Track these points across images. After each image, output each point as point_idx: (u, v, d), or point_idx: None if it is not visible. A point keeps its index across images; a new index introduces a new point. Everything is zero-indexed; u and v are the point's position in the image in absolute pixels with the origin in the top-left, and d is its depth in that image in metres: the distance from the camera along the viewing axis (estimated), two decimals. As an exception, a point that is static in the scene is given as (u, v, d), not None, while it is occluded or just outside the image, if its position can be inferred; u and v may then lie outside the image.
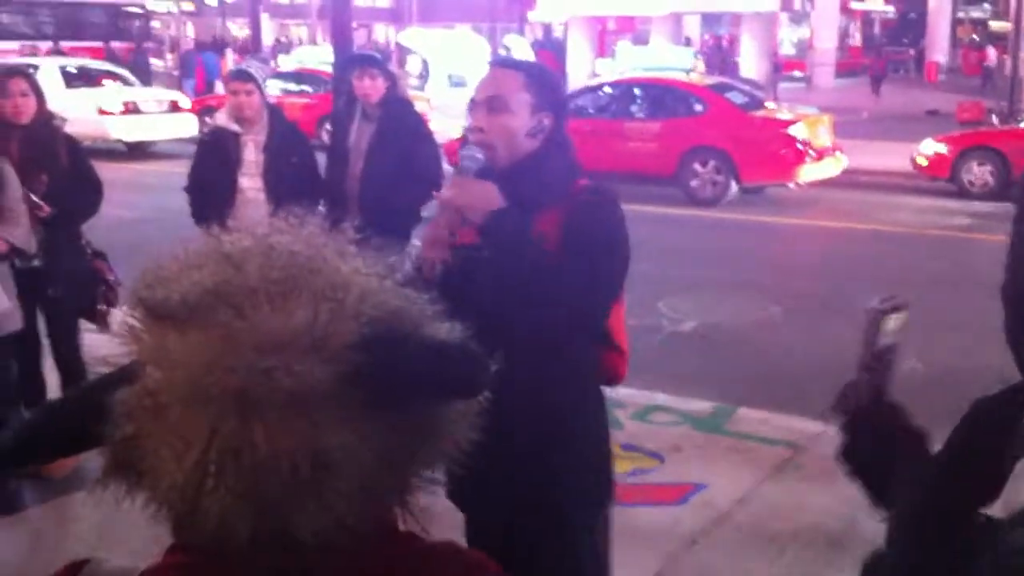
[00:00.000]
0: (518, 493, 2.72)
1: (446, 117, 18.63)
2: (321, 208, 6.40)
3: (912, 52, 48.06)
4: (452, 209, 2.64)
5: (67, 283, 5.25)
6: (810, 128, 14.95)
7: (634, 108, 15.89)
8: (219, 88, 22.67)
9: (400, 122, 6.04)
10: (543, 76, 2.85)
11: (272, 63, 27.46)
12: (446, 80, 33.43)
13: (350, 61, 6.97)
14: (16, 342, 4.89)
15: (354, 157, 6.05)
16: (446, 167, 6.33)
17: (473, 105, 2.77)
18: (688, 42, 32.41)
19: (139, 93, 20.03)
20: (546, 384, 2.69)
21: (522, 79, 2.75)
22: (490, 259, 2.60)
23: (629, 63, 22.19)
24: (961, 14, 57.50)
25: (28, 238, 4.78)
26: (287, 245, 1.11)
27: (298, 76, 22.62)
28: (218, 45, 35.33)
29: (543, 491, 2.73)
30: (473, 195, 2.62)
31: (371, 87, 6.01)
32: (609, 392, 2.96)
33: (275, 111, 6.02)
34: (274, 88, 19.13)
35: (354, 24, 13.36)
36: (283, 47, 41.36)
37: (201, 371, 1.01)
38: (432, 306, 1.18)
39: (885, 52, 44.74)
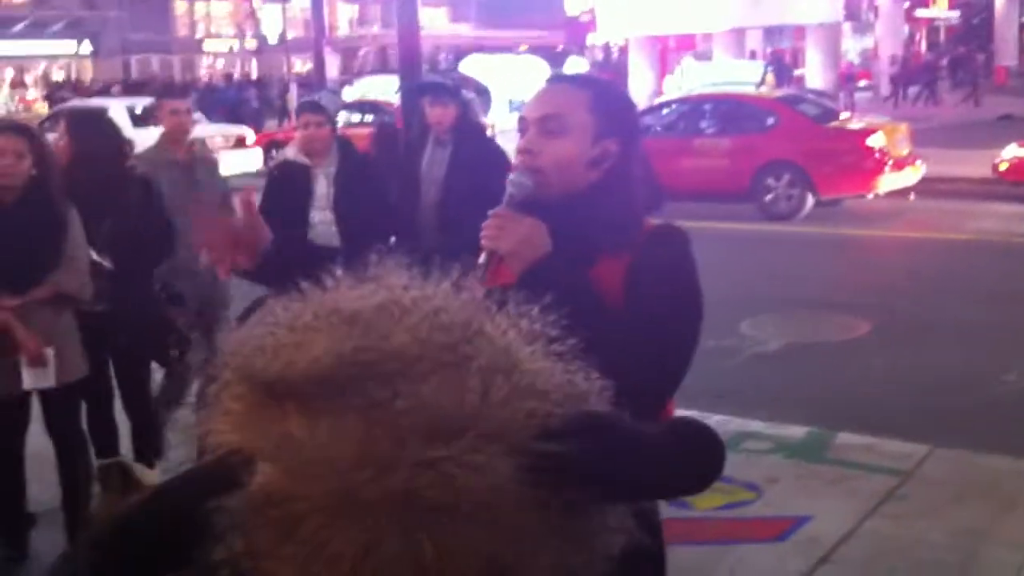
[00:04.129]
0: None
1: (509, 142, 18.50)
2: (392, 241, 6.15)
3: (963, 50, 46.11)
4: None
5: (135, 331, 5.08)
6: (888, 137, 14.56)
7: (703, 124, 15.63)
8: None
9: (475, 148, 5.88)
10: (611, 96, 2.39)
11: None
12: (506, 105, 33.42)
13: (420, 88, 6.82)
14: (85, 389, 4.74)
15: (426, 185, 5.89)
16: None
17: (523, 124, 2.31)
18: (753, 55, 31.98)
19: (205, 129, 20.13)
20: None
21: (585, 98, 2.29)
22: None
23: (696, 79, 21.87)
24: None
25: (80, 285, 4.49)
26: (429, 302, 0.85)
27: (361, 106, 22.61)
28: (244, 83, 35.10)
29: None
30: (517, 236, 2.17)
31: (443, 114, 5.87)
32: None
33: (345, 143, 5.85)
34: (339, 119, 19.13)
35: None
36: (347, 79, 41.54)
37: (347, 469, 0.75)
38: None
39: (912, 56, 42.70)
